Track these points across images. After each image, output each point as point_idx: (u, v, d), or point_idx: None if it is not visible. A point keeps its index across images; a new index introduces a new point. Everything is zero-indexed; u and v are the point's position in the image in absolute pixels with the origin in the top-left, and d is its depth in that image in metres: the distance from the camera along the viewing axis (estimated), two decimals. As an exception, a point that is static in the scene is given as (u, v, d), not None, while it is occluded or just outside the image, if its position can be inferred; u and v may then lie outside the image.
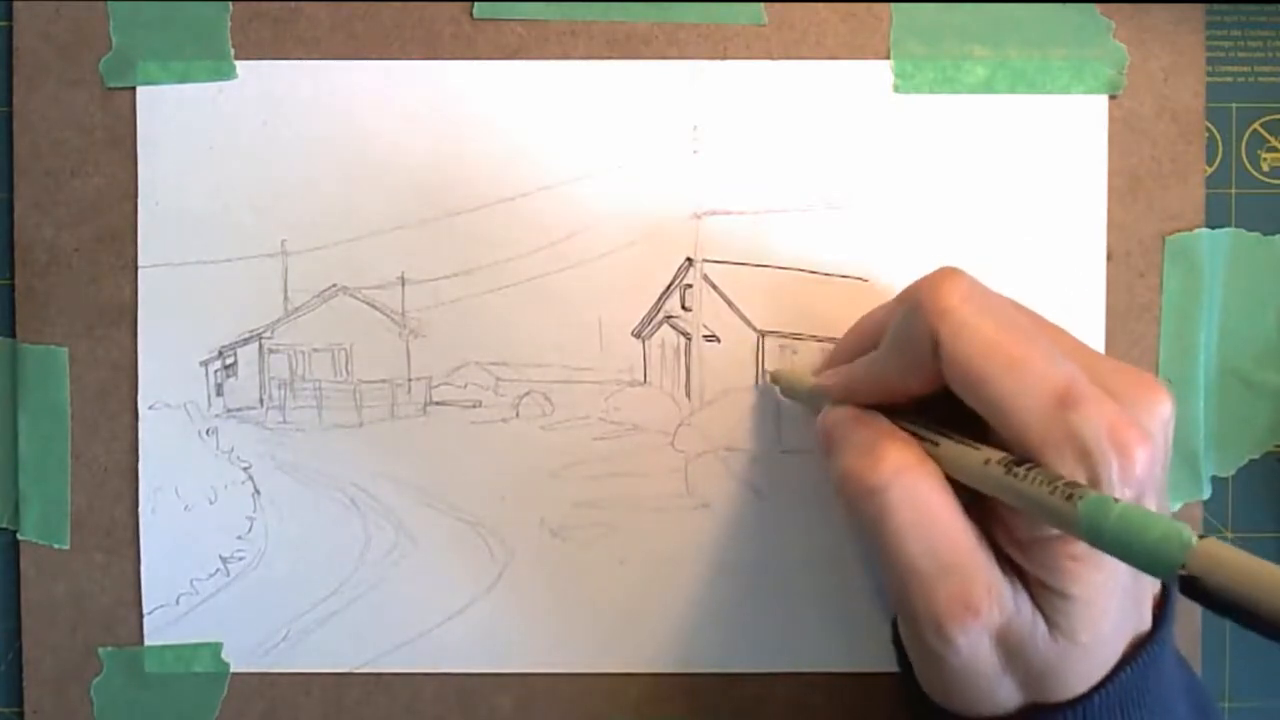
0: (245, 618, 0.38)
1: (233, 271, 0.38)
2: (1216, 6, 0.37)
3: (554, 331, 0.38)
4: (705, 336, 0.38)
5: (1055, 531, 0.26)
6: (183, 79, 0.37)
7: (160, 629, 0.38)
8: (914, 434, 0.29)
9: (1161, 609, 0.30)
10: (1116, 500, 0.23)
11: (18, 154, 0.38)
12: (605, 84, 0.37)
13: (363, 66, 0.37)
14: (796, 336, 0.38)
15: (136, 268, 0.38)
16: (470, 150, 0.37)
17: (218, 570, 0.38)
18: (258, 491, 0.38)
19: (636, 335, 0.38)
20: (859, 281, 0.37)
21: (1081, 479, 0.25)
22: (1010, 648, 0.28)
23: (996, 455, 0.26)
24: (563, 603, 0.38)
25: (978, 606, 0.27)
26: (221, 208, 0.38)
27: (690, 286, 0.38)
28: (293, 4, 0.38)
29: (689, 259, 0.38)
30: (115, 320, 0.38)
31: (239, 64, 0.37)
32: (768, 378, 0.37)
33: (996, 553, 0.28)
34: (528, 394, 0.38)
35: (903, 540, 0.27)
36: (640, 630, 0.38)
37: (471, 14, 0.37)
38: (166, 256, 0.38)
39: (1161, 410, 0.27)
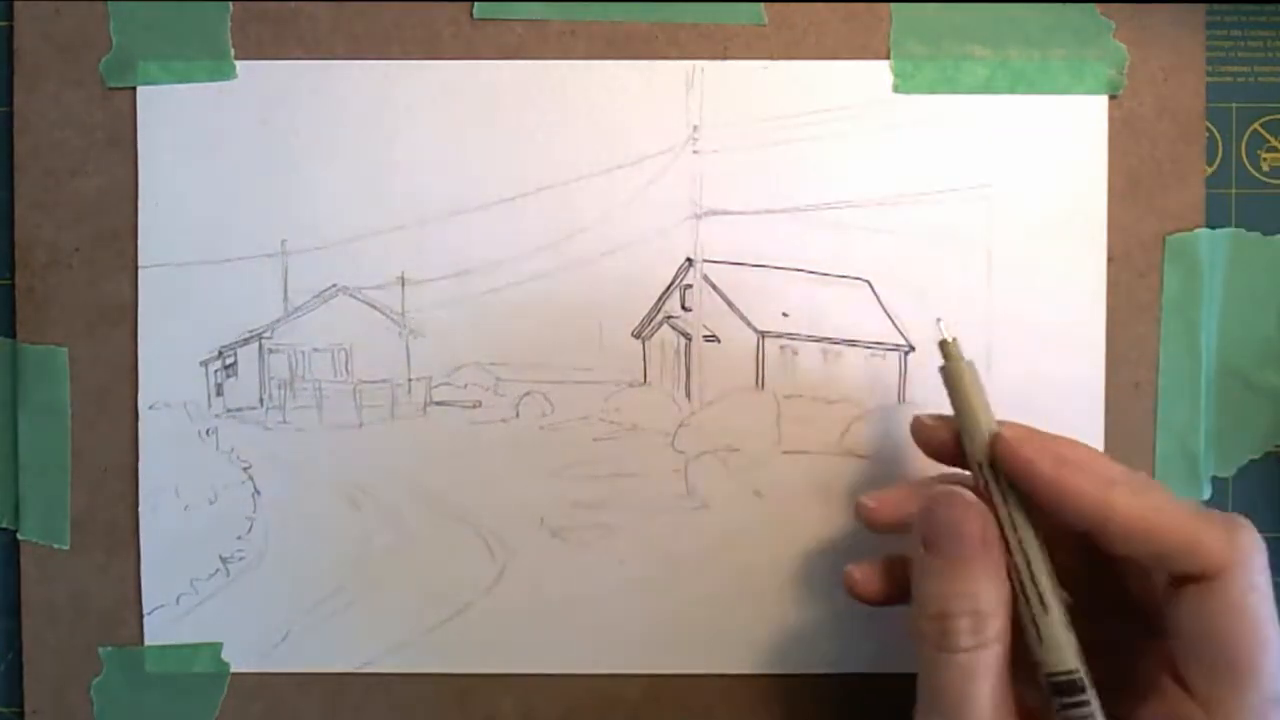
0: (245, 618, 0.38)
1: (233, 271, 0.38)
2: (1216, 6, 0.37)
3: (554, 331, 0.38)
4: (705, 337, 0.38)
5: None
6: (183, 79, 0.37)
7: (160, 629, 0.38)
8: None
9: None
10: None
11: (18, 154, 0.38)
12: (605, 84, 0.37)
13: (363, 66, 0.37)
14: (796, 336, 0.38)
15: (136, 268, 0.38)
16: (470, 150, 0.37)
17: (218, 570, 0.38)
18: (258, 491, 0.38)
19: (636, 336, 0.38)
20: (859, 281, 0.37)
21: None
22: None
23: None
24: (563, 603, 0.38)
25: None
26: (221, 208, 0.38)
27: (690, 286, 0.38)
28: (293, 4, 0.38)
29: (689, 259, 0.38)
30: (115, 320, 0.38)
31: (239, 64, 0.37)
32: (944, 335, 0.32)
33: None
34: (528, 394, 0.38)
35: None
36: (640, 630, 0.38)
37: (471, 14, 0.37)
38: (166, 256, 0.38)
39: None
